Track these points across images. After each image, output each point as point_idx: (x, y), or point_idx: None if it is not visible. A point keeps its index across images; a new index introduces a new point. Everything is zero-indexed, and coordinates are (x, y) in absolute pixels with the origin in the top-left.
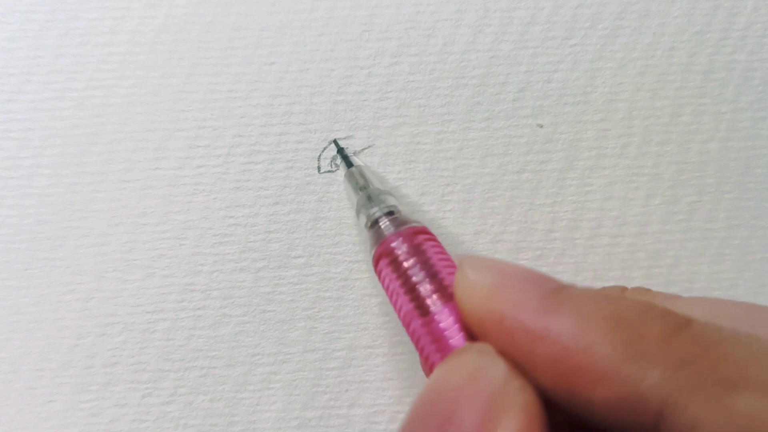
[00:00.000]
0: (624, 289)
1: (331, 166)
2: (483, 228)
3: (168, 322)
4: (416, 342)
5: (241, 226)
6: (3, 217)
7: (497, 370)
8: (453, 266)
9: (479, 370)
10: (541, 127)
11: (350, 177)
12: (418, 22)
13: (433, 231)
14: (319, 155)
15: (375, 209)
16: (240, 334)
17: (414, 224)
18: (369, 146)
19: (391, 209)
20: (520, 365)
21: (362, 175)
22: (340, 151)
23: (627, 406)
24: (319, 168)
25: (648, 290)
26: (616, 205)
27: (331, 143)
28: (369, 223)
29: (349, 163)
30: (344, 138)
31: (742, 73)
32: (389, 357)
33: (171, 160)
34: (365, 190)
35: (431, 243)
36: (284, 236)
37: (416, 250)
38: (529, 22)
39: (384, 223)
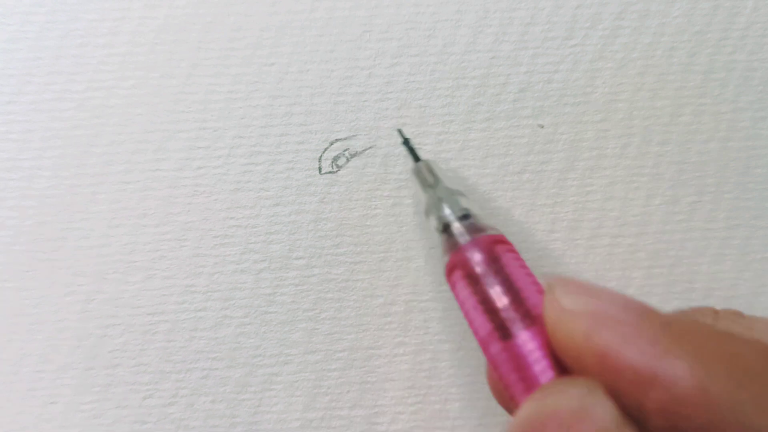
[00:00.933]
0: (716, 311)
1: (332, 167)
2: None
3: (169, 323)
4: (495, 367)
5: (241, 227)
6: (3, 218)
7: (607, 411)
8: (536, 282)
9: (588, 406)
10: (542, 127)
11: (418, 173)
12: (418, 23)
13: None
14: (320, 156)
15: (448, 212)
16: (241, 335)
17: (491, 231)
18: (370, 147)
19: (466, 212)
20: (626, 407)
21: (431, 172)
22: (406, 142)
23: None
24: (320, 169)
25: (740, 313)
26: (616, 206)
27: (332, 143)
28: (441, 227)
29: (416, 157)
30: (345, 138)
31: (742, 73)
32: (390, 358)
33: (171, 161)
34: (435, 189)
35: (512, 255)
36: (285, 237)
37: (495, 263)
38: (529, 22)
39: (458, 229)
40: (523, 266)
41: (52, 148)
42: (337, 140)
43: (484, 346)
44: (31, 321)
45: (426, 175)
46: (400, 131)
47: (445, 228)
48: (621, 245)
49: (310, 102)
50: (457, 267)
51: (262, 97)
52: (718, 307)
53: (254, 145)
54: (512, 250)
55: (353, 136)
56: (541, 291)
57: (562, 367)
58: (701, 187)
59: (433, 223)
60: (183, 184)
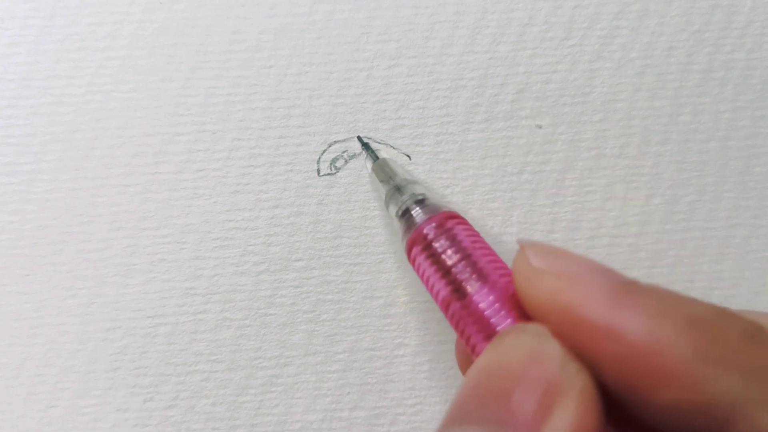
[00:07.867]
0: None
1: (330, 168)
2: (483, 230)
3: (169, 326)
4: (455, 325)
5: (241, 229)
6: (3, 222)
7: (554, 351)
8: (486, 247)
9: (536, 351)
10: (540, 128)
11: (377, 170)
12: (417, 25)
13: None
14: (319, 158)
15: (405, 197)
16: (241, 337)
17: (444, 209)
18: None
19: (421, 197)
20: (584, 359)
21: (389, 167)
22: (365, 145)
23: (694, 409)
24: (318, 171)
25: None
26: (616, 206)
27: (331, 145)
28: (399, 213)
29: (374, 157)
30: (343, 140)
31: (741, 71)
32: (390, 359)
33: (171, 164)
34: (393, 181)
35: (463, 227)
36: (284, 239)
37: (448, 235)
38: (527, 23)
39: (415, 210)
40: (475, 235)
41: (52, 151)
42: (335, 142)
43: (444, 308)
44: (32, 325)
45: (385, 170)
46: (359, 137)
47: (404, 213)
48: (621, 245)
49: (308, 104)
50: (415, 243)
51: (261, 99)
52: None
53: (253, 147)
54: (464, 223)
55: (352, 138)
56: (490, 255)
57: (515, 316)
58: (701, 186)
59: (393, 210)
60: (182, 187)
